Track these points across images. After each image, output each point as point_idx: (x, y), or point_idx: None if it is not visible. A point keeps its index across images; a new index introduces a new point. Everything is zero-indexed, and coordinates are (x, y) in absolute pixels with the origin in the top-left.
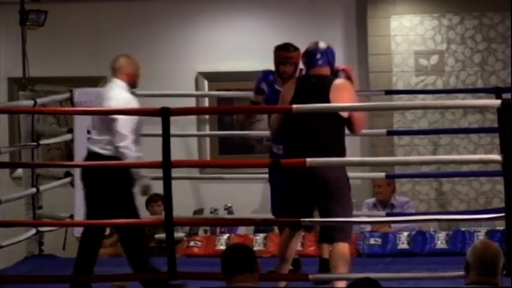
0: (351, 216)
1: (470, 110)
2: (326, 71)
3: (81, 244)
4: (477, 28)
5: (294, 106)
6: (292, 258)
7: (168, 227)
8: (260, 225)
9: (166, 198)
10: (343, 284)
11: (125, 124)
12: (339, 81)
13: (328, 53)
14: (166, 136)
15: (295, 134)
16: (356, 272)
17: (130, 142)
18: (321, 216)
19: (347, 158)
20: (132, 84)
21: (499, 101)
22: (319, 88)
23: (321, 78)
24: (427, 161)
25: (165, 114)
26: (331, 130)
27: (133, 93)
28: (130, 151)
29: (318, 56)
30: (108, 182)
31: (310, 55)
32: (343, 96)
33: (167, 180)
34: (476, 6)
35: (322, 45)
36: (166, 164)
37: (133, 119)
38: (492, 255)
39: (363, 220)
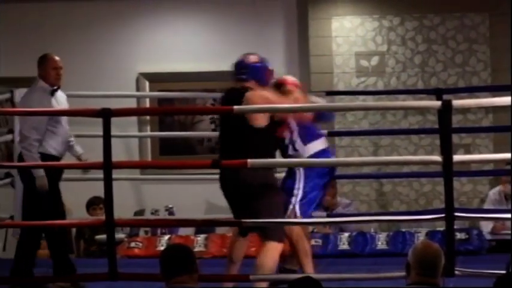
0: (279, 216)
1: (410, 112)
2: (247, 84)
3: (19, 245)
4: (417, 29)
5: (235, 107)
6: (240, 259)
7: (108, 228)
8: (201, 226)
9: (107, 199)
10: (264, 284)
11: (24, 124)
12: (249, 93)
13: (254, 68)
14: (107, 137)
15: (219, 137)
16: (297, 273)
17: (30, 142)
18: (247, 218)
19: (287, 160)
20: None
21: (439, 103)
22: (233, 101)
23: (236, 91)
24: (367, 162)
25: (106, 115)
26: (242, 138)
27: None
28: (28, 151)
29: (241, 69)
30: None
31: (235, 67)
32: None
33: (108, 181)
34: (417, 8)
35: (251, 59)
36: (107, 165)
37: (36, 119)
38: (432, 255)
39: (305, 221)
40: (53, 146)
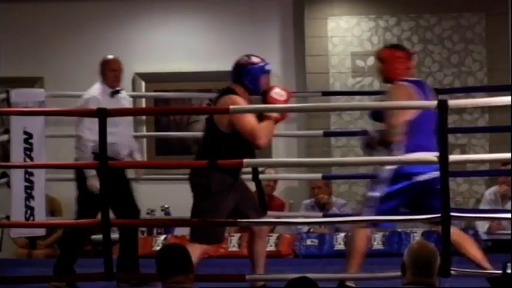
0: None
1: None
2: (233, 86)
3: (62, 243)
4: (414, 30)
5: (231, 107)
6: (261, 259)
7: (104, 228)
8: (197, 227)
9: (103, 199)
10: None
11: (79, 125)
12: (223, 98)
13: (244, 71)
14: (102, 137)
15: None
16: (293, 273)
17: (83, 143)
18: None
19: (285, 159)
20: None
21: (435, 102)
22: (215, 103)
23: (220, 92)
24: (364, 162)
25: (102, 115)
26: (209, 141)
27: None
28: (81, 151)
29: (233, 70)
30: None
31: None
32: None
33: (104, 181)
34: (413, 8)
35: (245, 60)
36: (103, 165)
37: (90, 119)
38: (428, 255)
39: (301, 221)
40: (108, 147)
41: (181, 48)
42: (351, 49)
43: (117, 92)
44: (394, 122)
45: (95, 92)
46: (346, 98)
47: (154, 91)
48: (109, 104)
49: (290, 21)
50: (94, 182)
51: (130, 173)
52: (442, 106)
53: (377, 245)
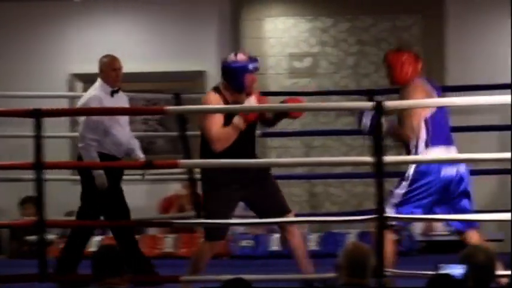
0: (214, 215)
1: (343, 112)
2: (221, 84)
3: (67, 243)
4: (350, 31)
5: (165, 108)
6: (301, 258)
7: (40, 228)
8: (134, 227)
9: (38, 200)
10: None
11: (82, 125)
12: (203, 99)
13: (227, 69)
14: (38, 137)
15: None
16: (228, 274)
17: (87, 142)
18: None
19: (221, 160)
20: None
21: (370, 104)
22: None
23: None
24: (299, 162)
25: (37, 115)
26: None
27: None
28: (86, 151)
29: (221, 68)
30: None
31: None
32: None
33: (39, 181)
34: (349, 10)
35: (231, 58)
36: (38, 165)
37: (92, 119)
38: (362, 256)
39: (236, 222)
40: (111, 146)
41: (118, 49)
42: (288, 50)
43: (117, 91)
44: (413, 122)
45: (97, 91)
46: (282, 98)
47: None
48: (110, 103)
49: (227, 22)
50: (103, 181)
51: (66, 173)
52: (378, 107)
53: (312, 245)
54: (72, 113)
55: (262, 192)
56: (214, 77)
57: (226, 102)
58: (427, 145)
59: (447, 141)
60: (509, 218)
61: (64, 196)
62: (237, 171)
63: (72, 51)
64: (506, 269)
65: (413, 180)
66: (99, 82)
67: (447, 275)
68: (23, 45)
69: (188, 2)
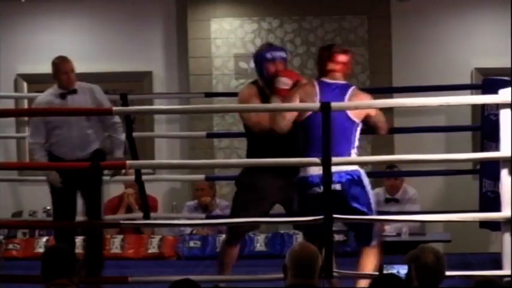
0: (237, 214)
1: None
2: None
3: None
4: (297, 32)
5: (113, 108)
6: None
7: None
8: (80, 227)
9: None
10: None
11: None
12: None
13: (254, 60)
14: None
15: None
16: (176, 275)
17: (32, 147)
18: None
19: (168, 161)
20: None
21: (318, 104)
22: None
23: None
24: (246, 163)
25: None
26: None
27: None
28: (32, 155)
29: None
30: None
31: None
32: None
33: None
34: (296, 11)
35: (257, 49)
36: None
37: (32, 123)
38: (308, 256)
39: (183, 223)
40: (57, 148)
41: (64, 49)
42: (234, 51)
43: (70, 92)
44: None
45: (45, 94)
46: (229, 99)
47: (37, 92)
48: (60, 105)
49: (173, 22)
50: (53, 177)
51: (13, 174)
52: (325, 108)
53: (260, 246)
54: (18, 113)
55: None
56: (160, 77)
57: (262, 93)
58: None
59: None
60: (455, 219)
61: (10, 197)
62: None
63: (18, 51)
64: (451, 270)
65: None
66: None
67: (391, 275)
68: None
69: (134, 2)
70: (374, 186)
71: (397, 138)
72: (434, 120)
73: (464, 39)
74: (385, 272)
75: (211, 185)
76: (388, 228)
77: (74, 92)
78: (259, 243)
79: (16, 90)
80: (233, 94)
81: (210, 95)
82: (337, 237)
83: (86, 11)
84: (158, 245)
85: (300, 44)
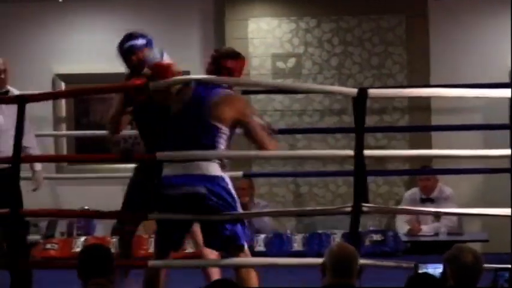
0: None
1: (327, 113)
2: None
3: None
4: (334, 31)
5: None
6: None
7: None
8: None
9: (15, 195)
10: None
11: None
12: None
13: None
14: (19, 127)
15: None
16: None
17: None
18: None
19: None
20: None
21: (355, 90)
22: None
23: None
24: (286, 155)
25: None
26: None
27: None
28: None
29: None
30: None
31: None
32: None
33: (15, 176)
34: (333, 10)
35: None
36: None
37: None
38: (347, 257)
39: None
40: None
41: (101, 49)
42: (272, 51)
43: (5, 93)
44: None
45: None
46: (267, 99)
47: None
48: None
49: (211, 22)
50: None
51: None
52: (362, 94)
53: (297, 246)
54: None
55: None
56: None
57: None
58: None
59: None
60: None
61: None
62: None
63: (56, 51)
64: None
65: None
66: None
67: (426, 274)
68: (9, 46)
69: (172, 1)
70: (410, 186)
71: (435, 136)
72: (471, 119)
73: (502, 39)
74: (419, 271)
75: (251, 185)
76: (425, 228)
77: (7, 93)
78: (297, 243)
79: (54, 90)
80: (271, 92)
81: (247, 92)
82: (375, 237)
83: (125, 11)
84: None
85: (337, 43)
